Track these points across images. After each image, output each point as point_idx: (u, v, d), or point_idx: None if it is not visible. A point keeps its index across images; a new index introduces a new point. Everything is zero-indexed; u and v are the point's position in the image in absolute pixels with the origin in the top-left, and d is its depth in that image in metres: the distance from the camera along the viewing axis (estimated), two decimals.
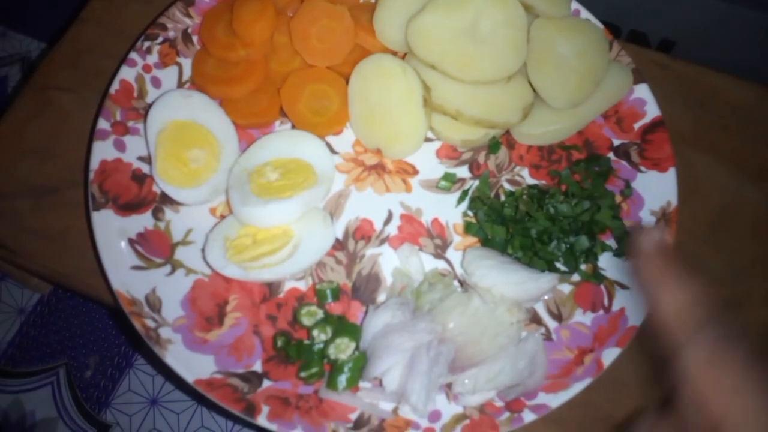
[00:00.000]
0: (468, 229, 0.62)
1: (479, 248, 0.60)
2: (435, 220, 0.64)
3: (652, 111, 0.66)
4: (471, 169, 0.66)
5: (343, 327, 0.56)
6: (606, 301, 0.59)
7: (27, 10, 1.39)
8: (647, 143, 0.66)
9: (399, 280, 0.59)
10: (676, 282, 0.35)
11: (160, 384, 1.06)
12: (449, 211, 0.64)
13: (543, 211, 0.60)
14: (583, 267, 0.60)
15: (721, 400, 0.33)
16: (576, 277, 0.60)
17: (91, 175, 0.60)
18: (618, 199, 0.63)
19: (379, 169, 0.66)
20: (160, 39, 0.68)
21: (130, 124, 0.64)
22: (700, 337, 0.34)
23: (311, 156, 0.63)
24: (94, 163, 0.61)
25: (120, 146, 0.63)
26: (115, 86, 0.65)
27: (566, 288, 0.60)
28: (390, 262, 0.61)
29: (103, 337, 1.09)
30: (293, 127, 0.67)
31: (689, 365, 0.34)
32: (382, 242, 0.63)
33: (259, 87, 0.67)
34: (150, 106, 0.64)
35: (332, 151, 0.67)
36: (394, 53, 0.68)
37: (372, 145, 0.66)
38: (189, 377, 0.53)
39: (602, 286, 0.60)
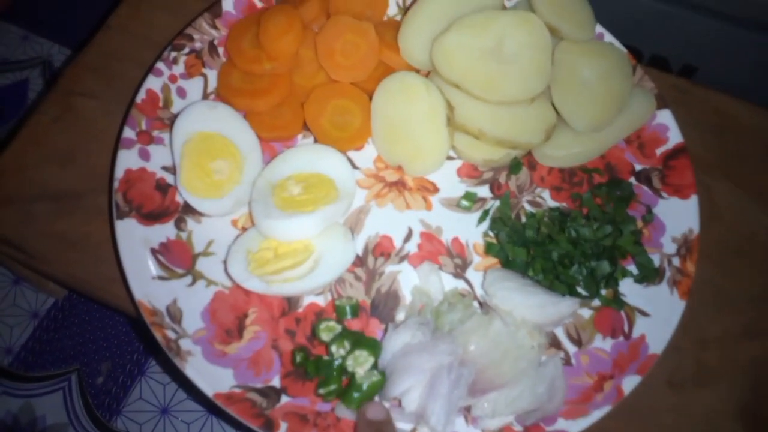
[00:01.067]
0: (489, 249, 0.62)
1: (500, 270, 0.60)
2: (455, 239, 0.64)
3: (674, 137, 0.67)
4: (492, 189, 0.66)
5: (362, 341, 0.56)
6: (626, 328, 0.59)
7: (49, 15, 1.40)
8: (669, 169, 0.66)
9: (418, 299, 0.59)
10: None
11: (171, 393, 1.06)
12: (469, 231, 0.64)
13: (565, 234, 0.60)
14: (603, 292, 0.60)
15: None
16: (596, 302, 0.60)
17: (116, 184, 0.61)
18: (639, 224, 0.63)
19: (399, 185, 0.67)
20: (187, 50, 0.68)
21: (155, 133, 0.64)
22: None
23: (333, 171, 0.64)
24: (119, 172, 0.61)
25: (144, 155, 0.63)
26: (141, 95, 0.65)
27: (586, 312, 0.60)
28: (409, 280, 0.61)
29: (115, 344, 1.09)
30: (315, 141, 0.68)
31: None
32: (401, 260, 0.63)
33: (283, 100, 0.68)
34: (176, 116, 0.65)
35: (353, 166, 0.67)
36: (418, 71, 0.68)
37: (393, 161, 0.67)
38: (209, 390, 0.53)
39: (622, 312, 0.60)
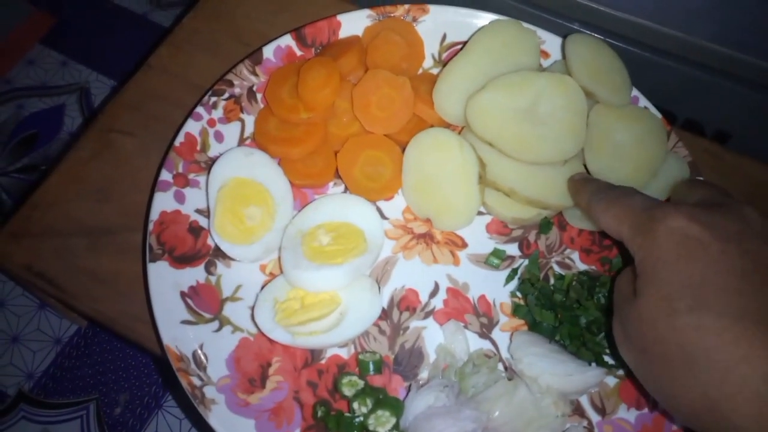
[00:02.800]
0: (516, 311, 0.62)
1: (527, 333, 0.59)
2: (482, 297, 0.64)
3: None
4: (521, 248, 0.66)
5: (385, 400, 0.56)
6: (651, 400, 0.58)
7: (89, 42, 1.44)
8: None
9: (442, 358, 0.59)
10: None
11: (187, 428, 1.06)
12: (497, 290, 0.64)
13: (593, 301, 0.60)
14: None
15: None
16: (622, 371, 0.60)
17: (151, 226, 0.62)
18: None
19: (427, 238, 0.67)
20: (226, 95, 0.70)
21: (191, 176, 0.66)
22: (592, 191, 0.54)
23: (363, 222, 0.64)
24: (154, 214, 0.62)
25: (180, 198, 0.64)
26: (180, 139, 0.66)
27: (611, 381, 0.59)
28: (434, 337, 0.61)
29: (135, 375, 1.10)
30: (346, 189, 0.68)
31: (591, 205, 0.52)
32: (426, 315, 0.63)
33: (316, 149, 0.69)
34: (212, 159, 0.66)
35: (382, 216, 0.68)
36: (448, 125, 0.69)
37: (423, 214, 0.67)
38: None
39: None
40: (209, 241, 0.64)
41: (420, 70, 0.75)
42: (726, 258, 0.36)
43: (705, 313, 0.35)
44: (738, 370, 0.33)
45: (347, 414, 0.56)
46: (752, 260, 0.36)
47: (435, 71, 0.75)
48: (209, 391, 0.55)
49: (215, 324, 0.60)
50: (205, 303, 0.60)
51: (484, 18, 0.73)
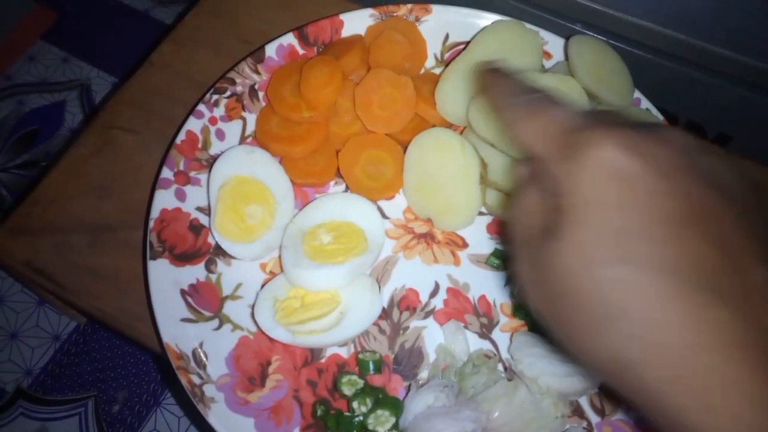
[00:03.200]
0: (516, 311, 0.62)
1: (527, 334, 0.59)
2: (482, 298, 0.64)
3: None
4: None
5: (385, 400, 0.56)
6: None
7: (90, 39, 1.44)
8: None
9: (442, 359, 0.59)
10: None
11: (185, 426, 1.06)
12: (497, 290, 0.64)
13: None
14: None
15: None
16: None
17: (152, 224, 0.61)
18: None
19: (428, 238, 0.67)
20: (228, 93, 0.70)
21: (192, 174, 0.66)
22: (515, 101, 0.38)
23: (364, 221, 0.64)
24: (155, 212, 0.62)
25: (181, 196, 0.64)
26: (182, 136, 0.66)
27: None
28: (434, 337, 0.61)
29: (133, 373, 1.10)
30: (347, 188, 0.68)
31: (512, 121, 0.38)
32: (426, 315, 0.63)
33: (318, 148, 0.69)
34: (213, 157, 0.66)
35: (383, 215, 0.68)
36: (450, 125, 0.69)
37: (424, 214, 0.67)
38: None
39: None
40: (210, 239, 0.64)
41: (422, 70, 0.75)
42: (659, 200, 0.31)
43: (628, 266, 0.30)
44: (656, 330, 0.30)
45: (347, 413, 0.56)
46: (690, 204, 0.31)
47: (437, 71, 0.74)
48: (209, 390, 0.55)
49: (215, 322, 0.60)
50: (205, 301, 0.60)
51: (486, 18, 0.73)
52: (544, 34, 0.72)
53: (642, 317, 0.30)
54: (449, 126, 0.68)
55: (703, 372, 0.29)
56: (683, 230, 0.30)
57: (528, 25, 0.71)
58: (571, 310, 0.33)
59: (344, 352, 0.60)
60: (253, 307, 0.60)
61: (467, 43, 0.72)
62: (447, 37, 0.75)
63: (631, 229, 0.31)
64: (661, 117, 0.69)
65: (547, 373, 0.54)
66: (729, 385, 0.28)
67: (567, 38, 0.70)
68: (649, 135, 0.33)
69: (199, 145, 0.67)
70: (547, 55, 0.73)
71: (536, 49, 0.70)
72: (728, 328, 0.29)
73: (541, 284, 0.35)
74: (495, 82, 0.43)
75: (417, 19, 0.74)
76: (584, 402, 0.59)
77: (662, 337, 0.30)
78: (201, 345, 0.58)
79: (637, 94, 0.71)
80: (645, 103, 0.71)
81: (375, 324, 0.62)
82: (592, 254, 0.32)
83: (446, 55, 0.75)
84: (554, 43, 0.73)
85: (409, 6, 0.74)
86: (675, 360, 0.29)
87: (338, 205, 0.65)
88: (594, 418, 0.58)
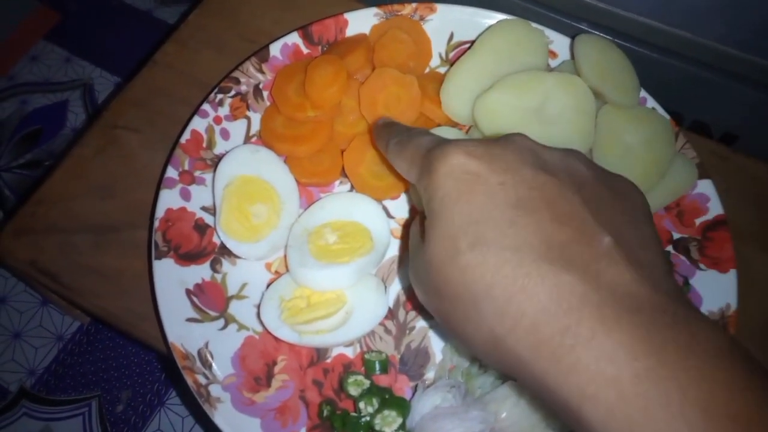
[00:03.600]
0: None
1: None
2: None
3: (714, 208, 0.66)
4: None
5: (391, 400, 0.56)
6: None
7: (93, 39, 1.43)
8: (708, 241, 0.65)
9: (449, 359, 0.59)
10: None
11: (189, 426, 1.06)
12: None
13: None
14: None
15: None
16: None
17: (156, 223, 0.61)
18: None
19: None
20: (233, 92, 0.70)
21: (197, 173, 0.65)
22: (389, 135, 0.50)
23: (369, 220, 0.64)
24: (160, 211, 0.62)
25: (185, 195, 0.64)
26: (186, 136, 0.66)
27: None
28: (440, 338, 0.61)
29: (137, 373, 1.10)
30: (352, 188, 0.68)
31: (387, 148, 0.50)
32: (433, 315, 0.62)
33: (322, 147, 0.69)
34: (218, 157, 0.66)
35: (388, 215, 0.67)
36: (455, 125, 0.68)
37: None
38: None
39: None
40: (215, 239, 0.63)
41: (427, 69, 0.75)
42: (503, 189, 0.35)
43: (485, 249, 0.34)
44: (515, 303, 0.33)
45: (353, 414, 0.56)
46: (528, 188, 0.35)
47: (442, 70, 0.74)
48: (215, 390, 0.55)
49: (221, 322, 0.59)
50: (211, 301, 0.60)
51: (491, 17, 0.73)
52: (549, 33, 0.72)
53: (503, 294, 0.33)
54: (454, 125, 0.68)
55: (559, 334, 0.31)
56: (528, 213, 0.34)
57: (533, 24, 0.70)
58: (448, 302, 0.37)
59: (350, 353, 0.60)
60: (258, 306, 0.60)
61: (472, 43, 0.71)
62: (452, 36, 0.75)
63: (480, 218, 0.35)
64: (667, 116, 0.69)
65: None
66: (582, 343, 0.30)
67: (573, 37, 0.70)
68: (494, 143, 0.38)
69: (204, 145, 0.67)
70: (553, 54, 0.73)
71: (542, 48, 0.69)
72: (576, 290, 0.31)
73: (424, 285, 0.39)
74: (382, 131, 0.53)
75: (422, 18, 0.74)
76: None
77: (521, 307, 0.32)
78: (206, 345, 0.57)
79: (643, 93, 0.71)
80: (651, 102, 0.71)
81: (381, 324, 0.61)
82: (452, 246, 0.35)
83: (451, 55, 0.75)
84: (560, 42, 0.73)
85: (414, 5, 0.74)
86: (534, 326, 0.32)
87: (343, 205, 0.65)
88: None
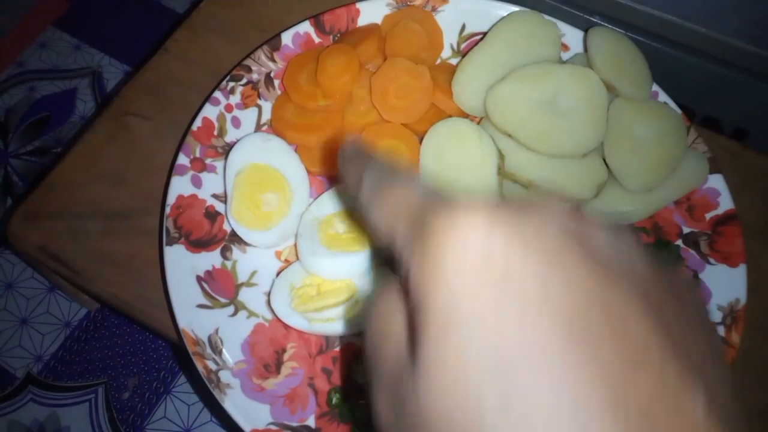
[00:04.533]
0: None
1: None
2: None
3: (725, 203, 0.66)
4: None
5: None
6: None
7: (102, 26, 1.43)
8: (718, 235, 0.65)
9: None
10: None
11: (195, 414, 1.06)
12: None
13: None
14: None
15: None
16: None
17: (168, 210, 0.61)
18: None
19: None
20: (244, 80, 0.70)
21: (208, 161, 0.65)
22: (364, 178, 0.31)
23: None
24: (171, 198, 0.62)
25: (197, 182, 0.64)
26: (198, 123, 0.66)
27: None
28: None
29: (144, 360, 1.10)
30: None
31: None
32: None
33: (333, 136, 0.69)
34: (228, 145, 0.66)
35: None
36: (466, 116, 0.68)
37: None
38: (246, 426, 0.53)
39: None
40: (225, 226, 0.64)
41: (438, 60, 0.75)
42: (548, 301, 0.21)
43: (521, 406, 0.20)
44: None
45: (362, 402, 0.56)
46: (586, 300, 0.21)
47: (453, 61, 0.74)
48: (225, 376, 0.55)
49: (230, 309, 0.60)
50: (221, 288, 0.60)
51: (504, 9, 0.73)
52: (561, 25, 0.72)
53: None
54: (466, 116, 0.68)
55: None
56: (589, 348, 0.21)
57: (546, 17, 0.70)
58: None
59: (359, 341, 0.60)
60: (268, 294, 0.60)
61: (484, 34, 0.71)
62: (464, 27, 0.75)
63: (516, 356, 0.21)
64: (678, 110, 0.69)
65: None
66: None
67: (585, 30, 0.70)
68: (524, 211, 0.24)
69: (215, 132, 0.67)
70: (565, 47, 0.72)
71: (554, 40, 0.69)
72: None
73: (408, 429, 0.24)
74: (352, 160, 0.35)
75: (434, 9, 0.74)
76: None
77: None
78: (217, 331, 0.58)
79: (655, 87, 0.70)
80: (663, 97, 0.71)
81: None
82: (469, 402, 0.22)
83: (462, 46, 0.75)
84: (572, 35, 0.72)
85: None
86: None
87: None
88: None
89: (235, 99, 0.69)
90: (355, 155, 0.35)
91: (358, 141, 0.38)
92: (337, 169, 0.35)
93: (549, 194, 0.26)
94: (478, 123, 0.68)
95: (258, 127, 0.69)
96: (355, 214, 0.44)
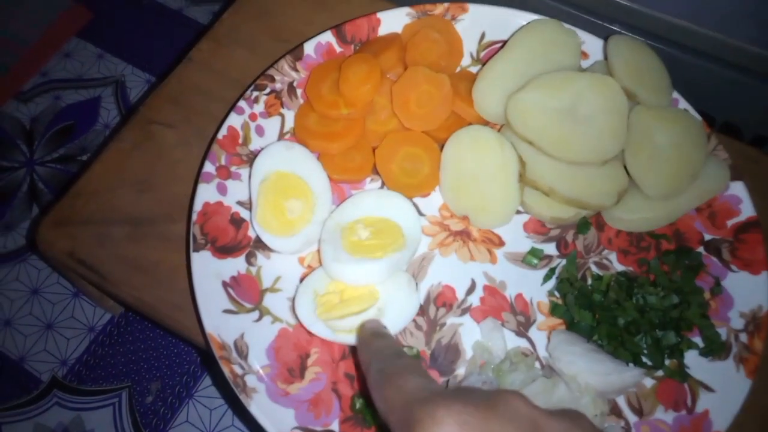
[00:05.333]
0: (554, 310, 0.62)
1: (565, 332, 0.59)
2: (519, 296, 0.64)
3: (746, 210, 0.66)
4: (558, 247, 0.66)
5: None
6: (689, 401, 0.58)
7: (125, 36, 1.46)
8: (740, 242, 0.65)
9: (480, 355, 0.59)
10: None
11: (217, 418, 1.07)
12: (534, 288, 0.64)
13: (632, 301, 0.60)
14: (667, 362, 0.60)
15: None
16: (659, 372, 0.59)
17: (194, 216, 0.63)
18: (707, 296, 0.62)
19: (464, 235, 0.67)
20: (268, 89, 0.71)
21: (233, 169, 0.67)
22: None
23: (401, 217, 0.65)
24: (198, 205, 0.63)
25: (222, 190, 0.65)
26: (223, 132, 0.67)
27: (648, 382, 0.59)
28: (470, 334, 0.62)
29: (166, 365, 1.12)
30: (383, 185, 0.69)
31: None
32: (463, 312, 0.63)
33: (355, 144, 0.69)
34: (253, 152, 0.67)
35: (419, 212, 0.68)
36: (486, 123, 0.69)
37: (460, 211, 0.67)
38: (272, 430, 0.54)
39: (686, 385, 0.59)
40: (249, 233, 0.65)
41: (458, 68, 0.76)
42: None
43: None
44: None
45: None
46: None
47: (473, 69, 0.75)
48: (250, 380, 0.56)
49: (255, 314, 0.61)
50: (246, 293, 0.61)
51: (523, 17, 0.74)
52: (581, 33, 0.72)
53: None
54: (486, 124, 0.69)
55: None
56: None
57: (565, 25, 0.71)
58: None
59: None
60: (292, 299, 0.61)
61: (504, 42, 0.72)
62: (483, 36, 0.76)
63: None
64: (699, 117, 0.69)
65: (585, 371, 0.54)
66: None
67: (605, 38, 0.70)
68: (490, 412, 0.32)
69: (240, 141, 0.68)
70: (584, 55, 0.73)
71: (574, 48, 0.70)
72: None
73: None
74: (369, 344, 0.45)
75: (453, 18, 0.75)
76: (622, 402, 0.59)
77: None
78: (242, 336, 0.59)
79: (675, 95, 0.71)
80: (683, 104, 0.71)
81: (412, 320, 0.62)
82: None
83: (482, 54, 0.76)
84: (591, 43, 0.73)
85: (446, 5, 0.75)
86: None
87: (375, 202, 0.65)
88: (632, 418, 0.58)
89: (259, 108, 0.70)
90: (371, 335, 0.46)
91: (376, 325, 0.50)
92: None
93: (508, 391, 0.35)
94: (499, 131, 0.69)
95: (281, 136, 0.70)
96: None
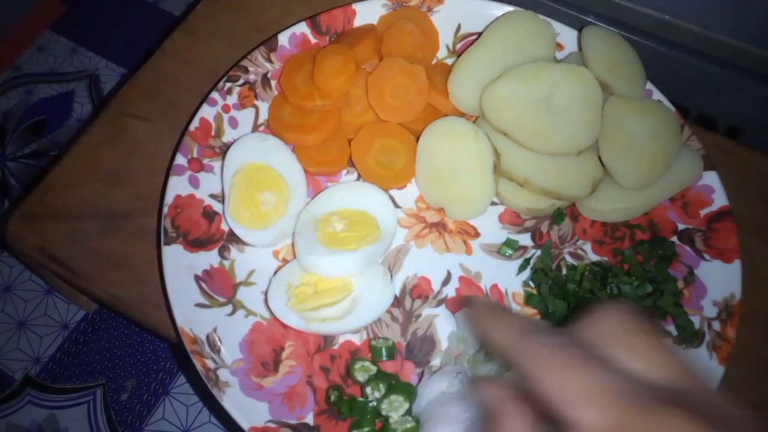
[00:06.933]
0: (529, 300, 0.62)
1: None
2: (494, 286, 0.64)
3: (719, 200, 0.66)
4: (533, 238, 0.66)
5: (398, 385, 0.56)
6: None
7: (99, 30, 1.44)
8: (713, 231, 0.65)
9: (455, 346, 0.59)
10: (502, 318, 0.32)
11: (194, 415, 1.06)
12: (509, 279, 0.64)
13: (606, 291, 0.60)
14: None
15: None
16: None
17: (165, 209, 0.62)
18: (680, 285, 0.63)
19: (440, 227, 0.67)
20: (241, 81, 0.70)
21: (205, 161, 0.66)
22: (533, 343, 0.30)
23: (376, 209, 0.64)
24: (169, 198, 0.62)
25: (194, 182, 0.64)
26: (195, 123, 0.67)
27: None
28: (446, 325, 0.61)
29: (142, 362, 1.10)
30: (358, 177, 0.69)
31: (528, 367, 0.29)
32: (439, 303, 0.63)
33: (330, 136, 0.69)
34: (226, 145, 0.66)
35: (395, 204, 0.68)
36: (462, 115, 0.69)
37: (436, 203, 0.67)
38: (245, 424, 0.53)
39: None
40: (223, 226, 0.64)
41: (434, 60, 0.75)
42: None
43: None
44: None
45: (360, 398, 0.56)
46: None
47: (449, 61, 0.75)
48: (223, 374, 0.56)
49: (229, 308, 0.60)
50: (219, 287, 0.61)
51: (498, 9, 0.73)
52: (555, 25, 0.72)
53: None
54: (462, 115, 0.69)
55: None
56: None
57: (540, 16, 0.71)
58: None
59: (357, 339, 0.61)
60: (266, 293, 0.60)
61: (479, 34, 0.72)
62: (459, 27, 0.75)
63: None
64: (672, 108, 0.70)
65: None
66: None
67: (580, 30, 0.70)
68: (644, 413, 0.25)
69: (213, 133, 0.67)
70: (559, 47, 0.73)
71: (549, 40, 0.70)
72: None
73: None
74: (498, 319, 0.34)
75: (429, 10, 0.75)
76: None
77: None
78: (215, 330, 0.58)
79: (649, 85, 0.71)
80: (657, 95, 0.71)
81: (387, 311, 0.62)
82: None
83: (458, 46, 0.76)
84: (566, 35, 0.73)
85: None
86: None
87: (351, 194, 0.65)
88: None
89: (232, 99, 0.69)
90: (501, 311, 0.34)
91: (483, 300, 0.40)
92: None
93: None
94: (474, 122, 0.68)
95: (255, 128, 0.69)
96: None
